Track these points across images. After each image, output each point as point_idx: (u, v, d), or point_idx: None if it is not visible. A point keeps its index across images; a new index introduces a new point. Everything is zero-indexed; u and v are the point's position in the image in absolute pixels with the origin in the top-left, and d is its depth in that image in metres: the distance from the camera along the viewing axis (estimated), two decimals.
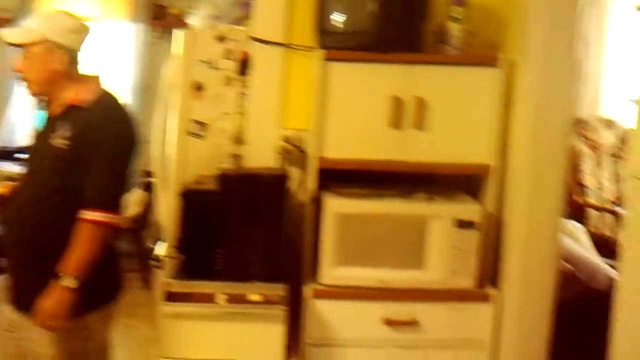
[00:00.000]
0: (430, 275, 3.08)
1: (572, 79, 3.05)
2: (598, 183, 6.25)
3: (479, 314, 3.11)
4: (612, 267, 3.69)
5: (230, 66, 3.38)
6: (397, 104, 3.09)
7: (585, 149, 6.52)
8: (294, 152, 3.36)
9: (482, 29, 3.31)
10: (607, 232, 5.28)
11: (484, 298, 3.11)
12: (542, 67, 3.00)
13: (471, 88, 3.14)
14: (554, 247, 3.06)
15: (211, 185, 3.05)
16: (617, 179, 5.79)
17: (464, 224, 3.06)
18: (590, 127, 6.63)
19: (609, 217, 5.37)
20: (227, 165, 3.29)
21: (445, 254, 3.06)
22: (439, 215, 3.06)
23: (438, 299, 3.09)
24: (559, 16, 3.00)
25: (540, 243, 3.04)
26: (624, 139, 5.80)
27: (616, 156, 5.82)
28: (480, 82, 3.13)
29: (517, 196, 3.07)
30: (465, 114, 3.15)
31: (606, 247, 4.88)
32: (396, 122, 3.10)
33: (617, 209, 5.45)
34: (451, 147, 3.15)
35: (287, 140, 3.36)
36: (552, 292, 3.05)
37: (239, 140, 3.38)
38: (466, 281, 3.08)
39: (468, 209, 3.10)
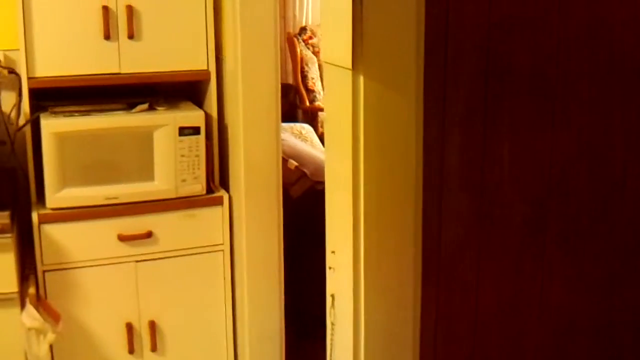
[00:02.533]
0: (161, 185, 3.06)
1: None
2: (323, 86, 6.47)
3: (212, 218, 3.16)
4: None
5: None
6: (107, 14, 3.00)
7: (311, 56, 6.73)
8: (4, 74, 3.18)
9: None
10: None
11: (215, 202, 3.15)
12: None
13: None
14: (274, 147, 3.12)
15: None
16: None
17: (188, 131, 3.07)
18: (313, 34, 6.84)
19: None
20: None
21: (173, 162, 3.06)
22: (163, 124, 3.04)
23: (170, 208, 3.09)
24: None
25: (260, 144, 3.10)
26: None
27: None
28: None
29: (234, 100, 3.10)
30: (178, 20, 3.12)
31: None
32: (108, 33, 3.01)
33: None
34: (168, 55, 3.12)
35: None
36: (277, 189, 3.14)
37: None
38: (196, 187, 3.11)
39: (191, 116, 3.10)
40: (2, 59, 3.18)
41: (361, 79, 1.94)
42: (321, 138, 5.14)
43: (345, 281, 2.07)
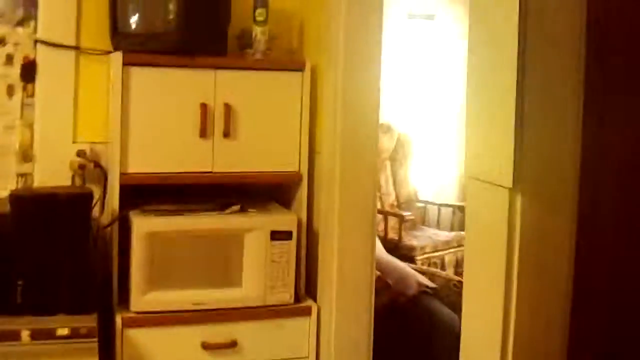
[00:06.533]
0: (248, 292, 2.91)
1: (377, 83, 3.00)
2: (380, 187, 6.37)
3: (300, 329, 2.99)
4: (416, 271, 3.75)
5: (12, 73, 3.05)
6: (204, 111, 2.91)
7: None
8: (90, 168, 3.07)
9: (284, 33, 3.23)
10: (394, 235, 5.39)
11: (304, 312, 2.99)
12: (344, 72, 2.93)
13: (278, 94, 3.03)
14: (369, 255, 2.99)
15: None
16: (395, 182, 5.95)
17: (280, 235, 2.93)
18: None
19: (392, 220, 5.49)
20: (13, 185, 2.97)
21: (263, 268, 2.91)
22: (255, 228, 2.90)
23: (257, 317, 2.92)
24: (362, 18, 2.94)
25: (355, 251, 2.97)
26: (398, 143, 5.98)
27: (393, 160, 5.97)
28: (286, 87, 3.04)
29: (329, 204, 2.98)
30: (274, 121, 3.03)
31: (395, 250, 4.99)
32: (204, 130, 2.92)
33: (400, 212, 5.59)
34: (261, 155, 3.02)
35: (81, 154, 3.06)
36: (370, 301, 2.99)
37: (26, 156, 3.04)
38: (284, 296, 2.95)
39: (283, 220, 2.97)
40: (88, 152, 3.08)
41: (519, 198, 1.82)
42: (382, 242, 4.98)
43: None
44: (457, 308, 3.59)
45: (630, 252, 1.91)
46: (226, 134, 2.95)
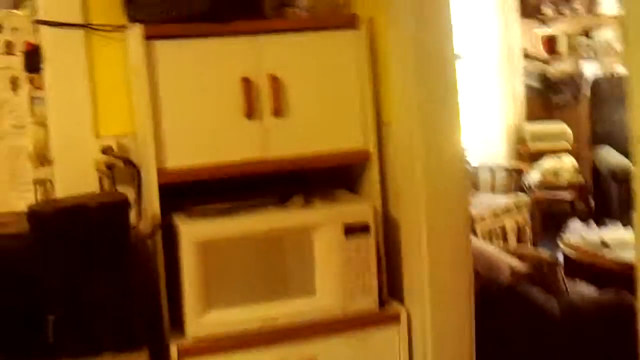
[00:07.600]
0: (324, 301, 2.40)
1: (451, 34, 2.47)
2: None
3: (388, 339, 2.48)
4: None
5: (14, 63, 2.55)
6: (247, 86, 2.40)
7: None
8: (119, 166, 2.56)
9: None
10: None
11: (392, 319, 2.48)
12: (413, 23, 2.40)
13: (331, 57, 2.52)
14: (464, 244, 2.49)
15: (16, 228, 2.19)
16: None
17: (355, 229, 2.42)
18: None
19: None
20: (30, 196, 2.47)
21: (339, 270, 2.40)
22: (325, 223, 2.39)
23: (338, 329, 2.42)
24: None
25: (448, 241, 2.45)
26: None
27: None
28: (340, 48, 2.52)
29: (408, 185, 2.47)
30: (330, 90, 2.51)
31: None
32: (250, 110, 2.40)
33: None
34: (319, 133, 2.51)
35: (107, 151, 2.56)
36: (470, 300, 2.49)
37: (42, 160, 2.54)
38: (367, 301, 2.45)
39: (357, 210, 2.45)
40: (114, 148, 2.58)
41: None
42: None
43: None
44: (552, 291, 3.09)
45: None
46: (276, 112, 2.43)
